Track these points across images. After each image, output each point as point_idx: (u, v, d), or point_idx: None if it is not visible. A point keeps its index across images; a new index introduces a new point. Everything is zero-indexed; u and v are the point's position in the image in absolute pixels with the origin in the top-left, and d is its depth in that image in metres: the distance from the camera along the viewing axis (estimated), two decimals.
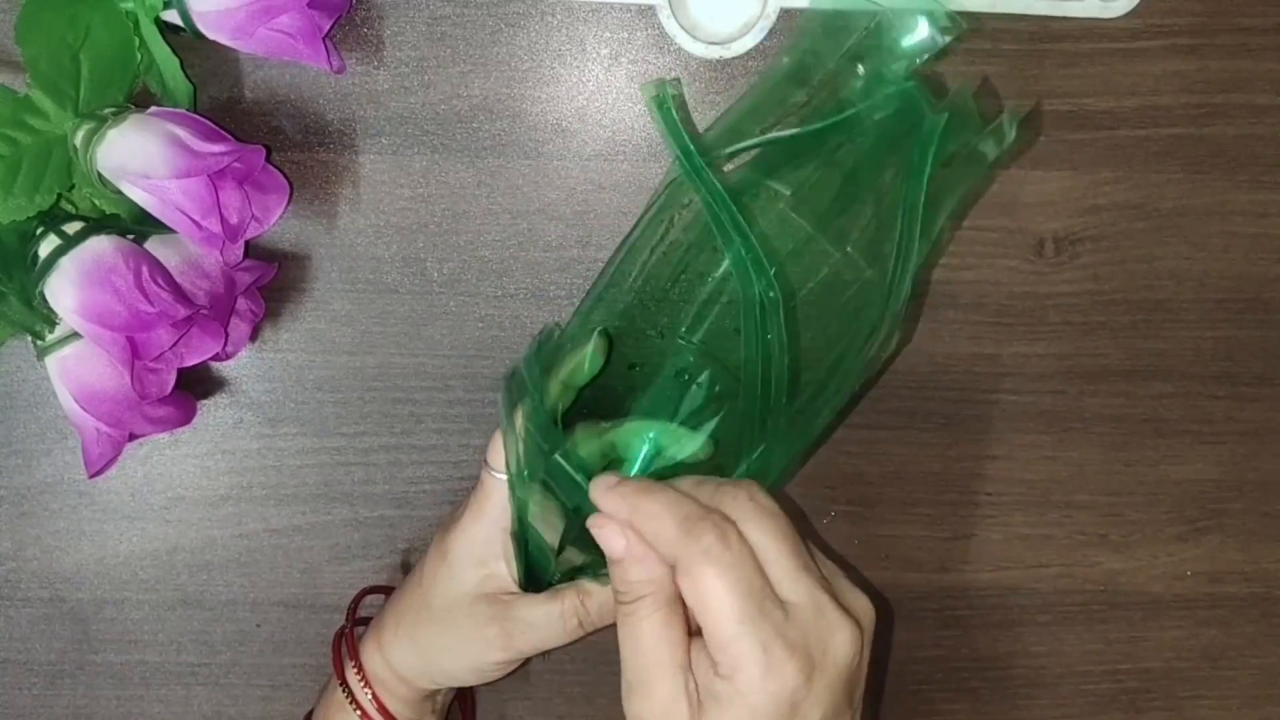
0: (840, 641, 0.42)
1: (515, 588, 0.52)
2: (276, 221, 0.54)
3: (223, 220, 0.51)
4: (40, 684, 0.62)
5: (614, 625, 0.48)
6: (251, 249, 0.55)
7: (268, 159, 0.55)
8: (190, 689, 0.62)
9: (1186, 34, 0.57)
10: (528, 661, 0.55)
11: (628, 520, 0.43)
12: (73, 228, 0.52)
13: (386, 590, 0.59)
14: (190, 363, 0.53)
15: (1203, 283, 0.59)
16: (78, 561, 0.61)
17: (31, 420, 0.60)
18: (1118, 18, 0.56)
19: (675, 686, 0.42)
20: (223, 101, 0.57)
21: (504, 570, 0.52)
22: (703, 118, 0.57)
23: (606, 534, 0.44)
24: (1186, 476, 0.61)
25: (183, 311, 0.50)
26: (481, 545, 0.52)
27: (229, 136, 0.52)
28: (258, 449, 0.60)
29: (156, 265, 0.52)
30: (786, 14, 0.56)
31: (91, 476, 0.53)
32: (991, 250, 0.58)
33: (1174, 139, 0.57)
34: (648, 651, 0.43)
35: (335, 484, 0.61)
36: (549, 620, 0.51)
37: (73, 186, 0.51)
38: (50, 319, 0.53)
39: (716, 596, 0.41)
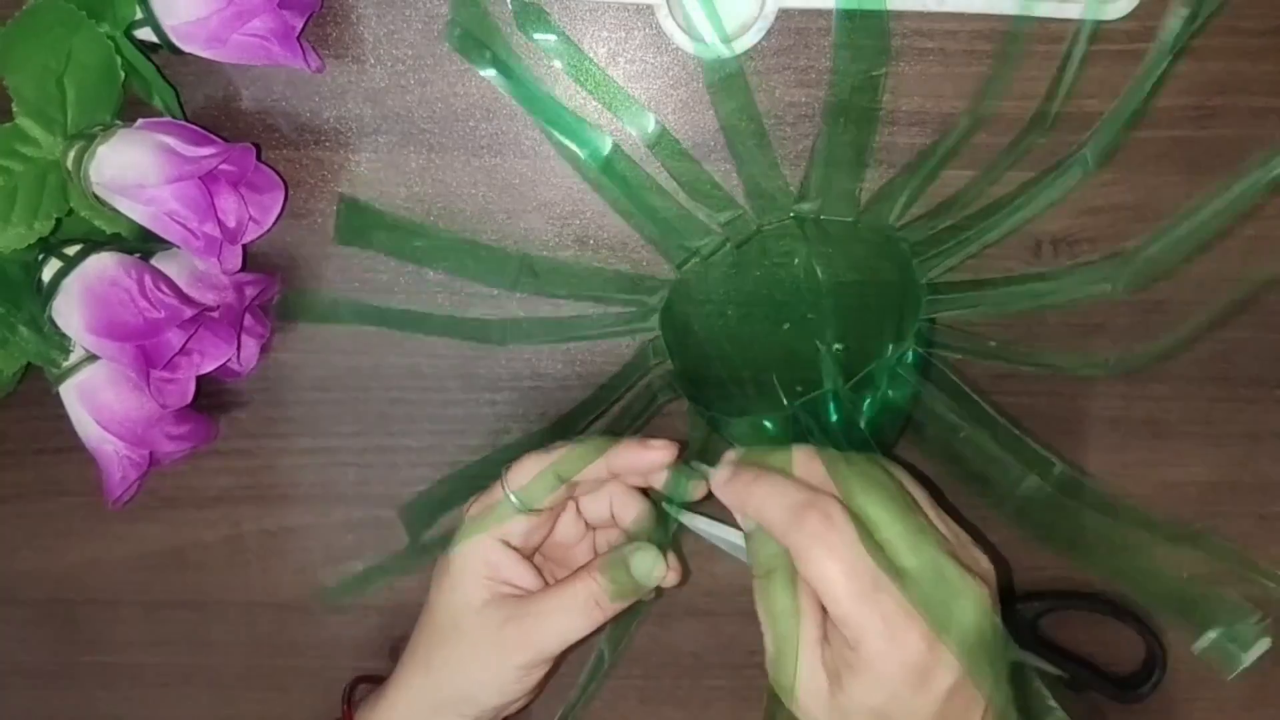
0: (963, 605, 0.43)
1: (527, 589, 0.51)
2: (276, 223, 0.54)
3: (220, 224, 0.50)
4: (32, 685, 0.62)
5: (628, 611, 0.51)
6: (250, 256, 0.55)
7: (263, 159, 0.55)
8: (183, 691, 0.62)
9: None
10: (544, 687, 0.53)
11: (742, 509, 0.46)
12: (73, 249, 0.52)
13: (378, 680, 0.55)
14: (207, 368, 0.53)
15: (1200, 284, 0.59)
16: (70, 562, 0.61)
17: (24, 420, 0.59)
18: (1116, 20, 0.56)
19: (812, 659, 0.44)
20: (216, 105, 0.56)
21: (512, 576, 0.51)
22: (700, 118, 0.57)
23: (738, 516, 0.48)
24: (1183, 479, 0.61)
25: (187, 311, 0.50)
26: (484, 554, 0.51)
27: (218, 139, 0.52)
28: (252, 449, 0.60)
29: (158, 273, 0.52)
30: (785, 14, 0.55)
31: (114, 504, 0.53)
32: (989, 251, 0.58)
33: (1172, 141, 0.57)
34: (784, 624, 0.45)
35: (330, 485, 0.60)
36: (567, 606, 0.50)
37: (71, 211, 0.51)
38: (63, 345, 0.53)
39: (827, 577, 0.43)
